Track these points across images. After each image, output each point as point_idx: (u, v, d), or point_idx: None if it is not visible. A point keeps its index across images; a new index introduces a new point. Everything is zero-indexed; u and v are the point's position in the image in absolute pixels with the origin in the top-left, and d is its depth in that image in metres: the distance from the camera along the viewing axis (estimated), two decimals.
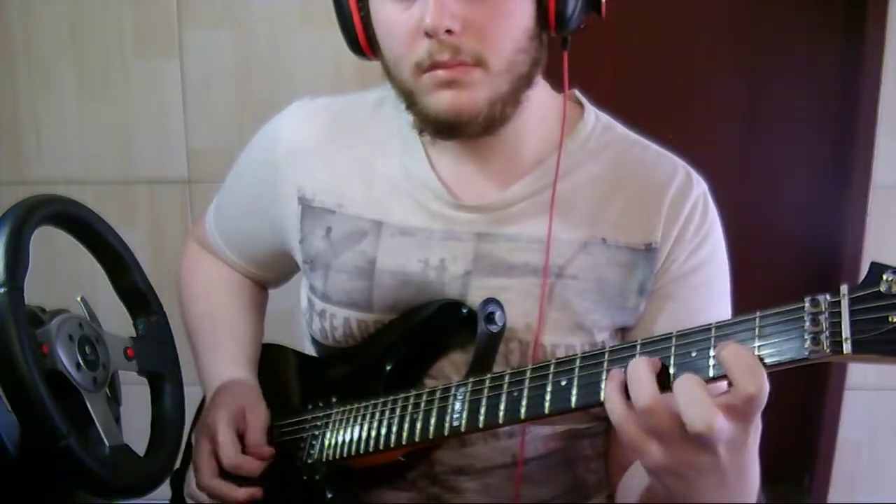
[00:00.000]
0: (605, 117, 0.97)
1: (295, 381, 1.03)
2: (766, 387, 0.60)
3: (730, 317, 0.83)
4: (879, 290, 0.57)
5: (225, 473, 0.91)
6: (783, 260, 2.12)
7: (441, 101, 0.82)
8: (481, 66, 0.81)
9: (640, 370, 0.63)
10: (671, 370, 0.64)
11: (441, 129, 0.85)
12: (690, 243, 0.90)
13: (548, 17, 0.84)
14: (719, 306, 0.92)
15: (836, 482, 2.17)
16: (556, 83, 0.93)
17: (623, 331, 0.93)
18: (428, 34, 0.79)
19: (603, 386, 0.68)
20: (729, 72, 2.08)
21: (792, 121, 2.10)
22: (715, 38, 2.07)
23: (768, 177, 2.11)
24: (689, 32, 2.06)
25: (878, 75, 1.95)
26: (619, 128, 0.97)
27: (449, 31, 0.78)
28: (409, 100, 0.86)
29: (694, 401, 0.60)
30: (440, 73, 0.81)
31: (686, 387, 0.61)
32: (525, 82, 0.86)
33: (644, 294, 0.90)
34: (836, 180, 2.08)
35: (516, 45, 0.83)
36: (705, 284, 0.91)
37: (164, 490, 0.98)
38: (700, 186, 0.93)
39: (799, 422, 2.23)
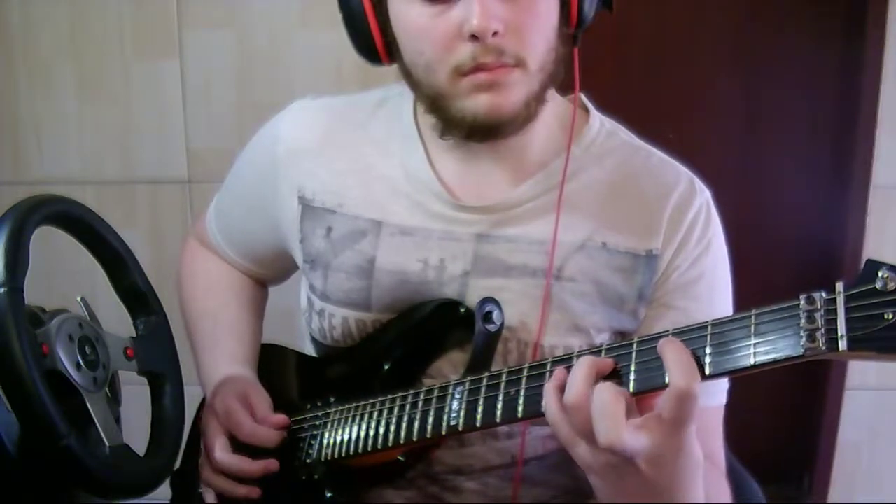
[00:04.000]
0: (610, 123, 0.97)
1: (294, 381, 1.03)
2: (697, 389, 0.61)
3: None
4: (875, 287, 0.57)
5: (237, 450, 0.90)
6: (783, 260, 2.13)
7: (480, 103, 0.81)
8: (520, 67, 0.81)
9: (578, 369, 0.66)
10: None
11: (478, 131, 0.84)
12: (693, 252, 0.90)
13: (570, 15, 0.84)
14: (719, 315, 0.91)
15: (836, 482, 2.17)
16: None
17: (623, 335, 0.93)
18: (475, 37, 0.78)
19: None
20: (729, 72, 2.08)
21: (792, 121, 2.10)
22: (715, 38, 2.07)
23: (768, 177, 2.11)
24: (689, 32, 2.06)
25: (878, 75, 1.95)
26: (624, 133, 0.96)
27: (494, 34, 0.78)
28: (437, 104, 0.85)
29: (603, 413, 0.62)
30: (482, 76, 0.80)
31: (599, 397, 0.63)
32: (551, 80, 0.86)
33: (643, 300, 0.90)
34: (836, 180, 2.08)
35: (549, 44, 0.83)
36: (706, 294, 0.91)
37: (164, 490, 0.98)
38: (703, 195, 0.93)
39: (799, 422, 2.23)
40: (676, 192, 0.91)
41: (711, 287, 0.92)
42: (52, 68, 2.00)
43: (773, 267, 2.06)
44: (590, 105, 0.96)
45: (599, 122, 0.95)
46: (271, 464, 0.89)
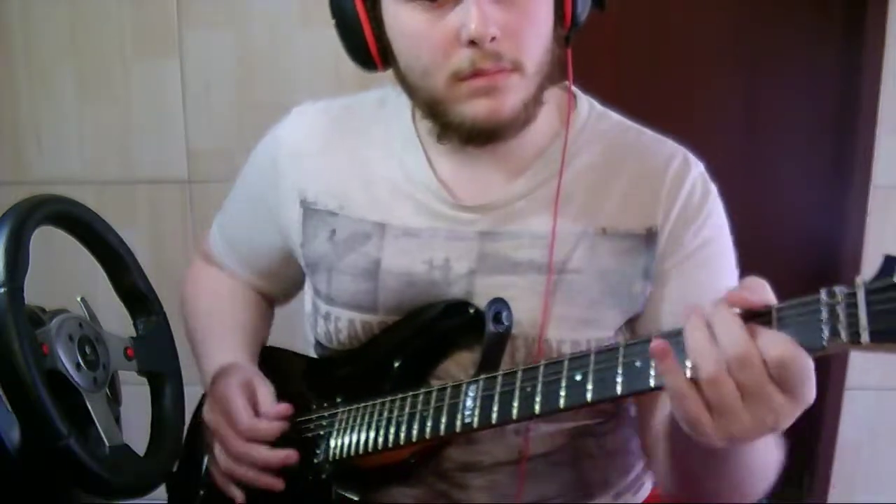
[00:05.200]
0: (598, 106, 0.97)
1: (300, 383, 1.02)
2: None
3: None
4: (894, 282, 0.57)
5: None
6: (783, 259, 2.12)
7: (479, 108, 0.81)
8: (518, 71, 0.81)
9: (730, 316, 0.62)
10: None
11: (476, 135, 0.84)
12: (693, 223, 0.90)
13: (563, 16, 0.84)
14: (727, 282, 0.91)
15: (836, 482, 2.17)
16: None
17: (631, 321, 0.92)
18: (473, 42, 0.77)
19: (619, 380, 0.68)
20: (729, 71, 2.08)
21: (792, 120, 2.09)
22: (715, 38, 2.07)
23: (768, 176, 2.11)
24: (689, 32, 2.06)
25: (878, 75, 1.95)
26: (613, 115, 0.97)
27: (492, 39, 0.77)
28: (435, 109, 0.85)
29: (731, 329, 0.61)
30: (480, 82, 0.80)
31: (722, 317, 0.62)
32: (547, 82, 0.86)
33: (649, 278, 0.90)
34: (836, 180, 2.08)
35: (545, 46, 0.83)
36: (712, 261, 0.91)
37: (165, 490, 0.98)
38: (697, 167, 0.93)
39: (799, 422, 2.22)
40: (672, 167, 0.91)
41: (716, 254, 0.92)
42: (52, 68, 2.00)
43: (772, 266, 2.04)
44: (576, 90, 0.96)
45: (588, 106, 0.95)
46: (292, 455, 0.88)
